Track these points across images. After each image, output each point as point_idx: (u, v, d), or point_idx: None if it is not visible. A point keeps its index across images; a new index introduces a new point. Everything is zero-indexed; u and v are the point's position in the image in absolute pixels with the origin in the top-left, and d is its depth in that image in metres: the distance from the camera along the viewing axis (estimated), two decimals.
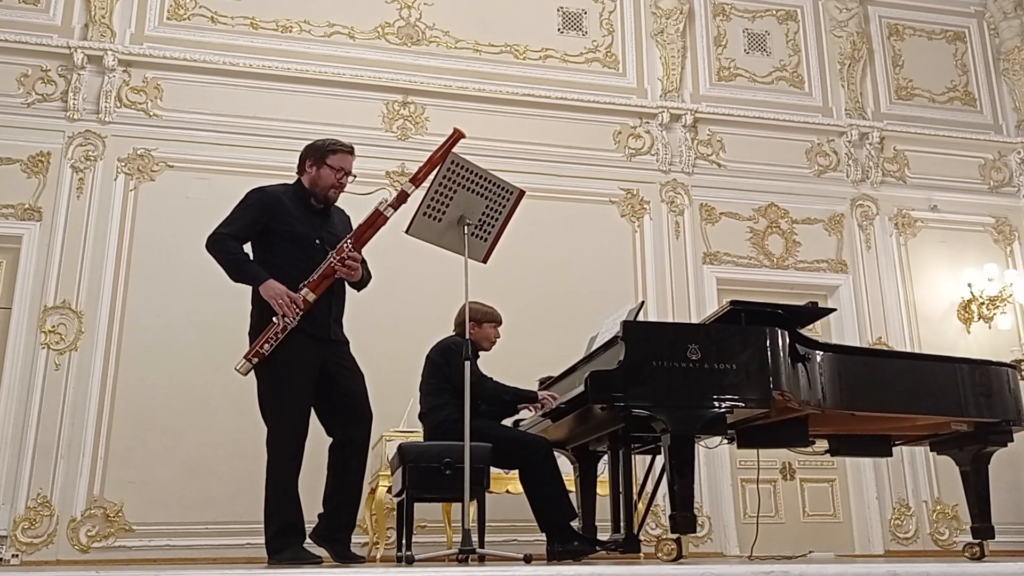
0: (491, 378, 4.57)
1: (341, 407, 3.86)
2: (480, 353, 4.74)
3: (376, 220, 3.91)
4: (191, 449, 5.84)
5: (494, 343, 4.88)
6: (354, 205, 4.16)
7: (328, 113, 6.68)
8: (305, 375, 3.76)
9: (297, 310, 3.70)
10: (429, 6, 7.17)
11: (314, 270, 3.79)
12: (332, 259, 3.80)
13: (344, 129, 6.61)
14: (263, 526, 3.73)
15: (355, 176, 4.01)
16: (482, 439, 4.19)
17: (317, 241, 3.89)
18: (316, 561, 3.64)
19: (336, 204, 4.06)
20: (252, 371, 3.79)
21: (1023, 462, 6.81)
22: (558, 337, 5.90)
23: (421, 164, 4.03)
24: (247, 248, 3.89)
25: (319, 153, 3.95)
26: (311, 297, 3.74)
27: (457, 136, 4.03)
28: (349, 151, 4.00)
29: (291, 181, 4.07)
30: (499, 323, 4.89)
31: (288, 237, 3.85)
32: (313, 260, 3.83)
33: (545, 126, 7.07)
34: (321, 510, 3.86)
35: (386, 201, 3.92)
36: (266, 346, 3.69)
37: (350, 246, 3.84)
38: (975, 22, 8.39)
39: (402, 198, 3.94)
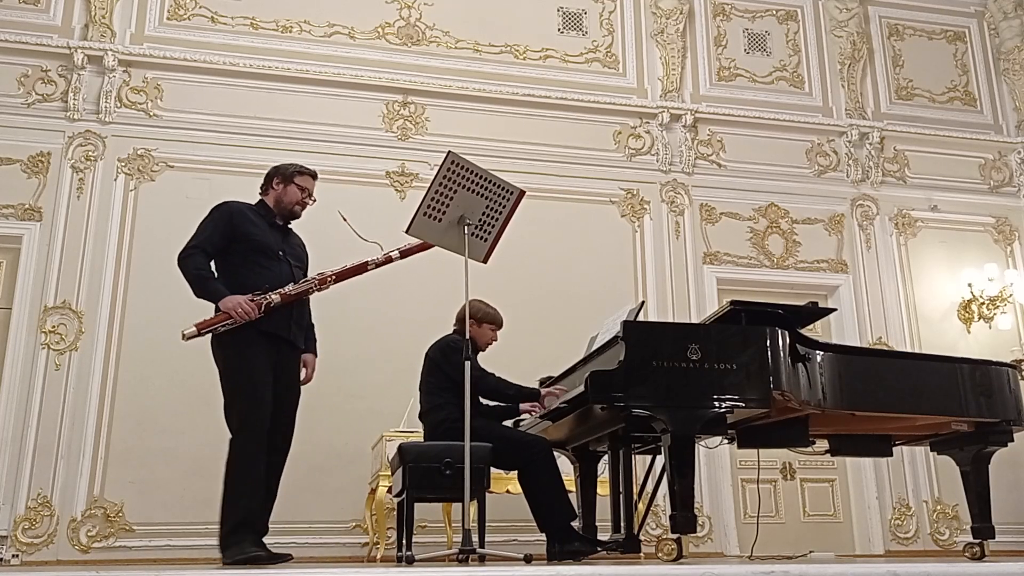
0: (492, 374, 4.56)
1: (272, 424, 3.87)
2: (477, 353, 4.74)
3: (362, 270, 4.19)
4: (191, 449, 5.83)
5: (490, 344, 4.84)
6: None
7: (328, 113, 6.68)
8: (267, 373, 3.87)
9: (256, 313, 3.82)
10: (429, 6, 7.17)
11: (278, 279, 3.95)
12: (314, 285, 4.02)
13: (344, 129, 6.65)
14: (219, 523, 3.73)
15: (315, 199, 4.23)
16: (482, 439, 4.19)
17: (281, 252, 4.05)
18: (280, 559, 3.69)
19: (295, 231, 4.25)
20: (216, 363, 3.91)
21: (1023, 462, 6.81)
22: (558, 337, 5.89)
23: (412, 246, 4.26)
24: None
25: (287, 173, 4.18)
26: (276, 300, 3.86)
27: None
28: (313, 175, 4.25)
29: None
30: (499, 326, 4.85)
31: (254, 247, 3.99)
32: (279, 270, 3.99)
33: (545, 126, 7.07)
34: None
35: (375, 261, 4.21)
36: (220, 328, 3.82)
37: (333, 279, 4.07)
38: (975, 22, 8.39)
39: (388, 261, 4.25)
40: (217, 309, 3.88)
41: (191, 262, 3.96)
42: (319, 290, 4.05)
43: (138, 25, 6.60)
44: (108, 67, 6.36)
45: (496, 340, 4.88)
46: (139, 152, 6.34)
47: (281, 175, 4.18)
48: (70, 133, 6.27)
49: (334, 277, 4.10)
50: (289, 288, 3.94)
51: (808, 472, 6.97)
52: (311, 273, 4.15)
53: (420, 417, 4.72)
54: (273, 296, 3.88)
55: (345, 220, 4.23)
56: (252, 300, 3.83)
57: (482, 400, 4.65)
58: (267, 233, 4.06)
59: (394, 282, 6.33)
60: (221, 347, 3.90)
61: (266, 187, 4.21)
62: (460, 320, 4.71)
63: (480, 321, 4.72)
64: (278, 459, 3.93)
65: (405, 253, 4.26)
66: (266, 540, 3.78)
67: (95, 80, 6.39)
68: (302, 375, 4.12)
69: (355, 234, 4.16)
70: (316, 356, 4.22)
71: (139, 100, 6.46)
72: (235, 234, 3.99)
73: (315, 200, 4.23)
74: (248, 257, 3.98)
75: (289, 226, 4.21)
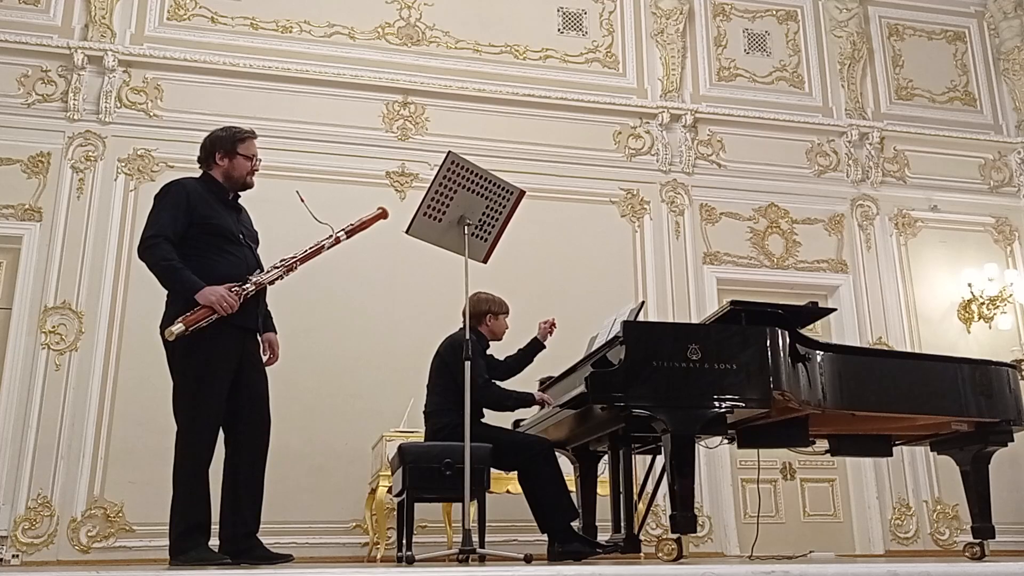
0: (495, 384, 4.56)
1: (245, 412, 3.74)
2: (491, 343, 4.77)
3: (318, 252, 3.94)
4: None
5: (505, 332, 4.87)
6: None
7: (328, 113, 6.68)
8: (227, 369, 3.67)
9: (236, 305, 3.63)
10: (429, 6, 7.17)
11: (245, 266, 3.77)
12: (283, 271, 3.82)
13: (344, 129, 6.66)
14: (168, 526, 3.54)
15: (261, 159, 3.99)
16: (483, 440, 4.20)
17: (240, 235, 3.86)
18: (280, 559, 3.61)
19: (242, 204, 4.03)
20: (173, 371, 3.70)
21: (1023, 462, 6.81)
22: (558, 337, 5.88)
23: (353, 223, 4.04)
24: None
25: (228, 144, 3.88)
26: (251, 290, 3.70)
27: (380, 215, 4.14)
28: (254, 136, 3.97)
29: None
30: (508, 312, 4.88)
31: (214, 231, 3.77)
32: (243, 255, 3.81)
33: (545, 126, 7.06)
34: (235, 526, 3.67)
35: (328, 242, 3.96)
36: (204, 323, 3.57)
37: (298, 264, 3.87)
38: (975, 22, 8.39)
39: (337, 242, 3.99)
40: (191, 302, 3.60)
41: (157, 252, 3.64)
42: (286, 276, 3.87)
43: (138, 25, 6.59)
44: (108, 67, 6.36)
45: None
46: (139, 152, 6.34)
47: (223, 148, 3.87)
48: (70, 133, 6.26)
49: (298, 262, 3.89)
50: (262, 277, 3.76)
51: (808, 472, 6.97)
52: (262, 253, 3.96)
53: (424, 415, 4.71)
54: (249, 287, 3.69)
55: (303, 201, 4.03)
56: (231, 291, 3.61)
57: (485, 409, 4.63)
58: (223, 215, 3.81)
59: (394, 282, 6.35)
60: (187, 339, 3.58)
61: (209, 161, 3.90)
62: (474, 315, 4.64)
63: (497, 314, 4.76)
64: (258, 450, 3.74)
65: (351, 232, 4.02)
66: (266, 540, 3.74)
67: (95, 80, 6.39)
68: (267, 356, 3.93)
69: (311, 215, 3.97)
70: (276, 333, 4.00)
71: (139, 100, 6.46)
72: (193, 217, 3.72)
73: (261, 160, 3.96)
74: (210, 243, 3.73)
75: (239, 200, 3.96)
